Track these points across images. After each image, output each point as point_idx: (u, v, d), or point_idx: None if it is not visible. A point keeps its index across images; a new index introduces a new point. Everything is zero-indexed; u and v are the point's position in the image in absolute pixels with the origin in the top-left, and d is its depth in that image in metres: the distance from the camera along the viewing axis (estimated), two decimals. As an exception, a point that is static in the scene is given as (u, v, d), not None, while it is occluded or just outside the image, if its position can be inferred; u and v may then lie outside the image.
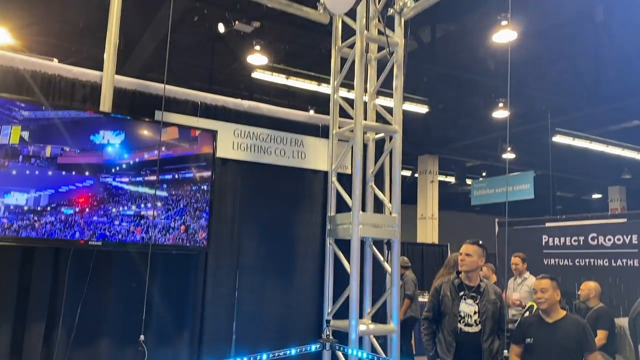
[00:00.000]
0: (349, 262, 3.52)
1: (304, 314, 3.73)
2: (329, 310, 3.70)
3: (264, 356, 2.66)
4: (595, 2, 8.05)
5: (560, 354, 4.14)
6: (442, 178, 17.76)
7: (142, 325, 2.99)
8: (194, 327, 3.31)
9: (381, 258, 3.86)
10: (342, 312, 3.57)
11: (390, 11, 3.81)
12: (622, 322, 6.49)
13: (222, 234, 3.44)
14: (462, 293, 4.42)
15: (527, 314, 6.51)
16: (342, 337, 3.57)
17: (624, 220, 6.96)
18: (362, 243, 3.75)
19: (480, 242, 4.57)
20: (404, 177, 16.16)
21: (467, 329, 4.34)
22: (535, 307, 6.55)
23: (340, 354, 3.63)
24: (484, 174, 18.00)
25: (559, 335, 4.19)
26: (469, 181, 17.48)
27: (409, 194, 15.77)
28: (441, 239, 15.52)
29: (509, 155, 14.60)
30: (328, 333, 3.48)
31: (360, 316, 3.65)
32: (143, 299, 2.88)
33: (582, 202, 21.45)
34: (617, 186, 18.30)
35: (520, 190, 13.86)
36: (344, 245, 3.63)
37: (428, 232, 15.44)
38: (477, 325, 4.35)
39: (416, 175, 16.71)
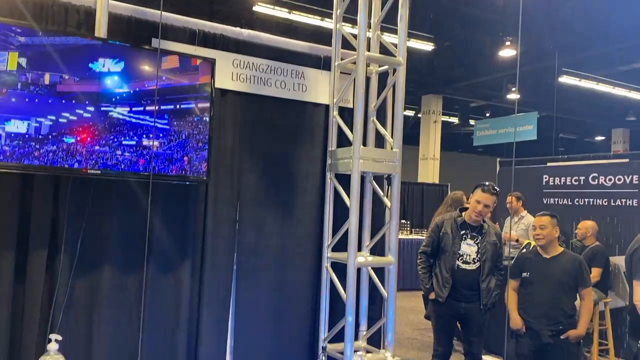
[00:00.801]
0: (349, 196, 3.53)
1: (303, 246, 3.78)
2: (328, 243, 3.75)
3: None
4: None
5: (555, 288, 4.23)
6: (445, 118, 17.63)
7: (143, 254, 3.04)
8: (195, 257, 3.36)
9: (381, 193, 3.87)
10: (341, 245, 3.61)
11: None
12: (617, 260, 6.60)
13: (221, 166, 3.43)
14: (463, 232, 4.47)
15: (524, 251, 6.61)
16: (340, 268, 3.63)
17: (626, 160, 6.93)
18: (362, 178, 3.75)
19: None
20: (406, 117, 16.03)
21: (464, 266, 4.41)
22: (532, 244, 6.64)
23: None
24: (487, 114, 17.82)
25: (556, 270, 4.26)
26: (472, 122, 17.33)
27: (412, 134, 15.70)
28: (442, 179, 15.58)
29: (514, 96, 14.39)
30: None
31: (359, 249, 3.70)
32: (144, 228, 2.91)
33: (585, 145, 21.37)
34: (620, 128, 18.17)
35: (524, 131, 13.75)
36: (344, 181, 3.63)
37: (429, 172, 15.48)
38: (474, 263, 4.42)
39: (419, 115, 16.56)
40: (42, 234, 2.88)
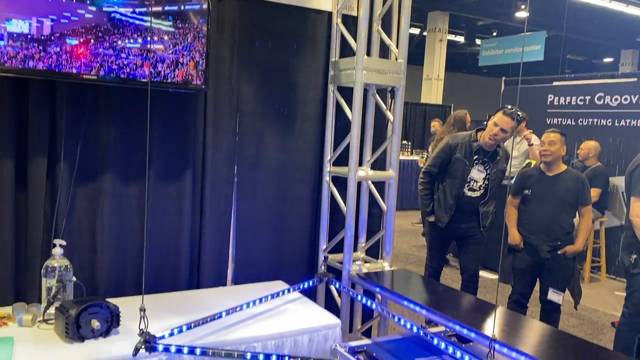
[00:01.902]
0: (351, 110, 3.47)
1: (303, 159, 3.76)
2: (329, 157, 3.73)
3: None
4: None
5: (557, 205, 4.27)
6: (451, 37, 17.13)
7: (144, 163, 3.03)
8: (196, 168, 3.35)
9: (384, 106, 3.80)
10: (343, 159, 3.60)
11: None
12: (617, 180, 6.64)
13: (220, 76, 3.34)
14: (475, 157, 4.35)
15: (526, 169, 6.62)
16: (341, 181, 3.64)
17: (634, 79, 6.80)
18: (365, 91, 3.67)
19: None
20: (411, 36, 15.54)
21: (470, 193, 4.38)
22: (532, 164, 6.64)
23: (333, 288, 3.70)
24: (494, 33, 17.31)
25: (558, 187, 4.28)
26: (478, 41, 16.87)
27: (416, 54, 15.29)
28: (445, 100, 15.39)
29: (523, 14, 13.88)
30: (324, 269, 3.53)
31: (360, 164, 3.69)
32: (144, 136, 2.87)
33: (592, 67, 20.92)
34: (630, 50, 17.71)
35: (530, 51, 13.42)
36: (347, 94, 3.55)
37: (432, 93, 15.26)
38: (479, 190, 4.39)
39: (424, 33, 16.08)
40: (41, 140, 2.84)
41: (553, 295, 4.24)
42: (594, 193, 6.11)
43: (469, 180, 4.34)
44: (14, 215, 2.84)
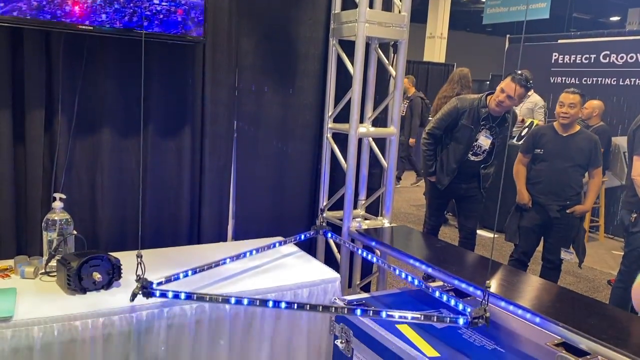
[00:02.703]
0: (352, 65, 3.41)
1: (304, 115, 3.73)
2: (330, 114, 3.69)
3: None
4: None
5: (568, 165, 4.26)
6: (455, -6, 16.73)
7: (142, 117, 3.00)
8: (195, 123, 3.31)
9: (386, 61, 3.73)
10: (344, 116, 3.56)
11: None
12: (619, 140, 6.60)
13: (218, 29, 3.26)
14: (483, 123, 4.28)
15: (525, 130, 6.58)
16: (342, 138, 3.61)
17: (641, 37, 6.68)
18: (367, 45, 3.60)
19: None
20: (414, -8, 15.19)
21: (473, 157, 4.33)
22: (535, 123, 6.59)
23: (330, 241, 3.69)
24: (500, -10, 16.88)
25: (572, 148, 4.26)
26: (482, -2, 16.49)
27: (419, 11, 14.98)
28: (448, 59, 15.17)
29: (529, -31, 13.52)
30: (322, 222, 3.51)
31: (362, 120, 3.65)
32: (141, 89, 2.83)
33: (599, 25, 20.51)
34: (637, 8, 17.32)
35: (536, 9, 13.11)
36: (349, 49, 3.48)
37: (435, 51, 15.03)
38: (483, 154, 4.34)
39: (428, -11, 15.71)
40: (38, 93, 2.81)
41: (565, 254, 4.29)
42: (596, 153, 6.08)
43: (473, 145, 4.29)
44: (13, 169, 2.83)
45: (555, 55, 7.37)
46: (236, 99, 3.47)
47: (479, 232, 5.05)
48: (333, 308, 2.30)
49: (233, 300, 2.19)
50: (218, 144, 3.40)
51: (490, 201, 4.77)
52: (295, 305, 2.18)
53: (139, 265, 2.16)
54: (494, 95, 4.18)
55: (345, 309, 2.33)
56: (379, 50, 3.71)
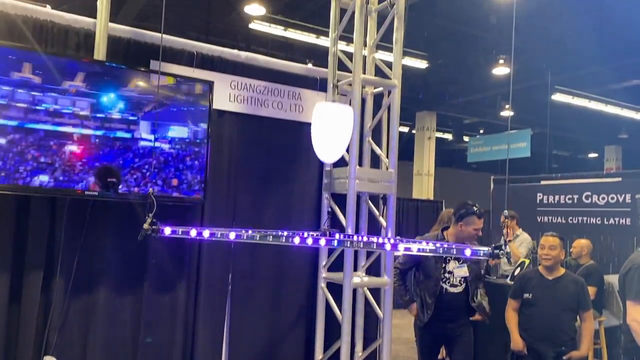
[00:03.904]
0: (344, 216, 3.54)
1: (298, 266, 3.79)
2: (324, 263, 3.76)
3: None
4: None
5: (558, 310, 4.24)
6: (439, 135, 17.71)
7: (140, 274, 3.04)
8: (191, 278, 3.35)
9: (377, 213, 3.88)
10: (337, 266, 3.62)
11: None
12: (612, 279, 6.62)
13: (218, 187, 3.44)
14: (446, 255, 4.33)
15: (518, 269, 6.61)
16: (336, 288, 3.63)
17: (619, 179, 7.00)
18: (358, 198, 3.77)
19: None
20: (401, 133, 16.07)
21: (451, 289, 4.28)
22: (526, 263, 6.65)
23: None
24: (481, 131, 17.95)
25: (559, 292, 4.27)
26: (466, 138, 17.44)
27: (406, 150, 15.75)
28: (436, 195, 15.61)
29: (508, 113, 14.51)
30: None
31: (355, 269, 3.71)
32: (141, 249, 2.91)
33: (578, 161, 21.51)
34: (613, 146, 18.31)
35: (517, 148, 13.85)
36: (341, 200, 3.65)
37: (424, 188, 15.51)
38: (461, 285, 4.31)
39: (414, 131, 16.64)
40: (38, 254, 2.87)
41: None
42: (590, 291, 6.06)
43: (446, 276, 4.28)
44: (5, 330, 2.80)
45: (540, 196, 7.65)
46: (231, 254, 3.54)
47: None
48: None
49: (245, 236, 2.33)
50: (212, 297, 3.42)
51: (486, 341, 4.66)
52: None
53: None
54: (466, 236, 4.23)
55: None
56: (370, 202, 3.88)
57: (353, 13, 3.58)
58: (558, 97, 12.96)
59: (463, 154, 17.23)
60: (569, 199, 7.32)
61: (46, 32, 2.94)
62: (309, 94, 3.86)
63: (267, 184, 3.66)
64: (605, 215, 6.96)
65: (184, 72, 3.27)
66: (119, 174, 2.75)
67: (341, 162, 3.75)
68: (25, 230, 2.88)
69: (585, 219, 7.18)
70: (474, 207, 4.16)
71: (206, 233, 2.47)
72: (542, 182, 7.82)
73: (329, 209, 3.76)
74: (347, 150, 3.57)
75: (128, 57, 3.15)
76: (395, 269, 4.49)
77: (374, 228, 3.97)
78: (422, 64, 11.50)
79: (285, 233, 2.33)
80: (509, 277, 6.58)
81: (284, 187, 3.74)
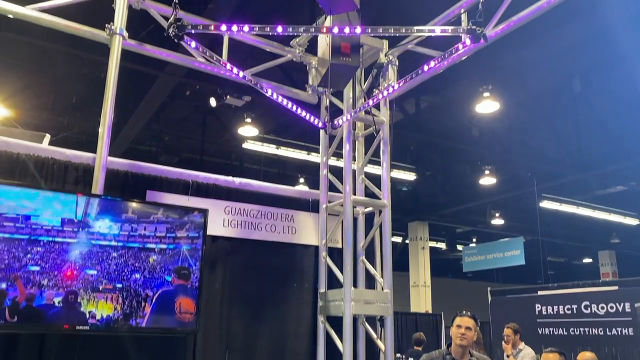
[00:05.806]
0: (341, 340, 3.46)
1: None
2: (322, 391, 3.60)
3: None
4: (572, 74, 8.36)
5: None
6: (432, 244, 17.72)
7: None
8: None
9: (374, 335, 3.79)
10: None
11: (376, 92, 3.96)
12: (621, 394, 6.34)
13: (211, 313, 3.39)
14: None
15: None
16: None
17: (615, 287, 6.95)
18: (355, 320, 3.71)
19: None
20: (394, 244, 16.05)
21: None
22: (532, 380, 6.39)
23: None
24: (474, 239, 18.01)
25: None
26: (460, 247, 17.45)
27: (400, 260, 15.66)
28: (434, 307, 15.28)
29: (499, 221, 14.68)
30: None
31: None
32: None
33: (574, 267, 21.38)
34: (606, 251, 18.33)
35: (511, 256, 13.86)
36: (336, 322, 3.58)
37: (421, 300, 15.23)
38: None
39: (407, 241, 16.66)
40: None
41: None
42: (602, 408, 5.79)
43: None
44: None
45: (538, 307, 7.53)
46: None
47: None
48: None
49: None
50: None
51: None
52: None
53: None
54: (452, 338, 4.23)
55: None
56: (367, 324, 3.80)
57: (342, 137, 3.76)
58: (546, 204, 13.20)
59: (458, 263, 17.12)
60: (567, 309, 7.20)
61: (47, 168, 3.05)
62: (302, 216, 3.93)
63: (260, 308, 3.61)
64: (607, 326, 6.82)
65: (179, 200, 3.35)
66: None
67: (335, 283, 3.74)
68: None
69: (587, 329, 7.02)
70: (459, 311, 4.20)
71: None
72: (540, 293, 7.73)
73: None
74: (341, 271, 3.58)
75: (125, 188, 3.24)
76: None
77: (372, 353, 3.85)
78: (410, 176, 11.82)
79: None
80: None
81: (278, 311, 3.68)
